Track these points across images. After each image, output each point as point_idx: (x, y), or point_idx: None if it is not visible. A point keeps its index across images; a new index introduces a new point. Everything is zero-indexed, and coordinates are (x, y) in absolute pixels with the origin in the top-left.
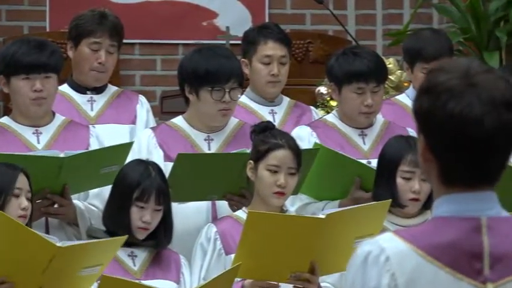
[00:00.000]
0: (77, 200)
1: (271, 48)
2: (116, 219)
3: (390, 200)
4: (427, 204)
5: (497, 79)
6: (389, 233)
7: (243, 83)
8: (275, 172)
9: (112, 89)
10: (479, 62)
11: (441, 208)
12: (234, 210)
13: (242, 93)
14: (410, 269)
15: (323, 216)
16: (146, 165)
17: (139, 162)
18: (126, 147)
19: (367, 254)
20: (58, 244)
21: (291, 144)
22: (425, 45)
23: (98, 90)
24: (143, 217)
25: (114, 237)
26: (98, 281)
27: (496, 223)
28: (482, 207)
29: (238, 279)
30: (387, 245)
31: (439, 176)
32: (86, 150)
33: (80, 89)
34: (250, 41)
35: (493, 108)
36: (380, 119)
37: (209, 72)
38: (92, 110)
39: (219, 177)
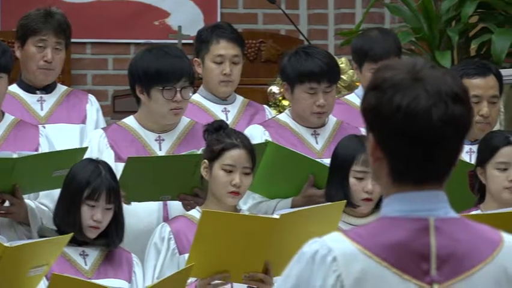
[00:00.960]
0: (28, 200)
1: (223, 48)
2: (66, 218)
3: (345, 201)
4: (380, 204)
5: (444, 74)
6: (337, 233)
7: (194, 82)
8: (230, 172)
9: (61, 88)
10: (424, 59)
11: (390, 207)
12: (188, 210)
13: (194, 92)
14: (357, 270)
15: (277, 216)
16: (96, 164)
17: (88, 161)
18: (80, 152)
19: (314, 253)
20: (6, 244)
21: (246, 144)
22: (372, 45)
23: (48, 89)
24: (94, 216)
25: (60, 236)
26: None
27: (444, 224)
28: (431, 207)
29: (193, 279)
30: (335, 245)
31: (389, 174)
32: (40, 152)
33: (30, 88)
34: (203, 40)
35: (440, 100)
36: (332, 118)
37: (160, 71)
38: (42, 109)
39: (170, 179)
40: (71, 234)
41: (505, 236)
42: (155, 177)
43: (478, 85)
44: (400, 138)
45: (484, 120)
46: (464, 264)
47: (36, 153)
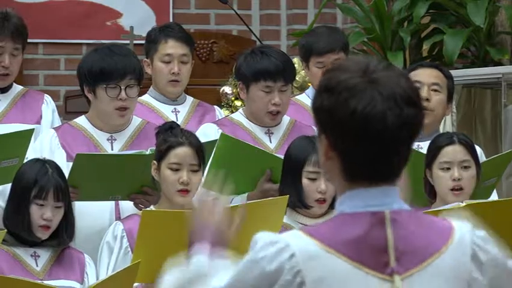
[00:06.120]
0: None
1: (171, 47)
2: (15, 219)
3: (287, 196)
4: (333, 204)
5: (397, 75)
6: (296, 230)
7: (141, 80)
8: (177, 170)
9: (17, 88)
10: (377, 59)
11: (346, 204)
12: (140, 209)
13: (144, 92)
14: (318, 266)
15: None
16: (43, 163)
17: (36, 161)
18: (26, 134)
19: (273, 241)
20: None
21: (192, 141)
22: (317, 40)
23: (3, 89)
24: (43, 214)
25: None
26: None
27: (399, 216)
28: (385, 201)
29: (138, 286)
30: (294, 242)
31: (342, 174)
32: None
33: None
34: (152, 41)
35: (395, 103)
36: (286, 117)
37: (103, 69)
38: None
39: (119, 178)
40: (4, 231)
41: (455, 224)
42: (104, 176)
43: (419, 73)
44: (355, 141)
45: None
46: (421, 254)
47: None
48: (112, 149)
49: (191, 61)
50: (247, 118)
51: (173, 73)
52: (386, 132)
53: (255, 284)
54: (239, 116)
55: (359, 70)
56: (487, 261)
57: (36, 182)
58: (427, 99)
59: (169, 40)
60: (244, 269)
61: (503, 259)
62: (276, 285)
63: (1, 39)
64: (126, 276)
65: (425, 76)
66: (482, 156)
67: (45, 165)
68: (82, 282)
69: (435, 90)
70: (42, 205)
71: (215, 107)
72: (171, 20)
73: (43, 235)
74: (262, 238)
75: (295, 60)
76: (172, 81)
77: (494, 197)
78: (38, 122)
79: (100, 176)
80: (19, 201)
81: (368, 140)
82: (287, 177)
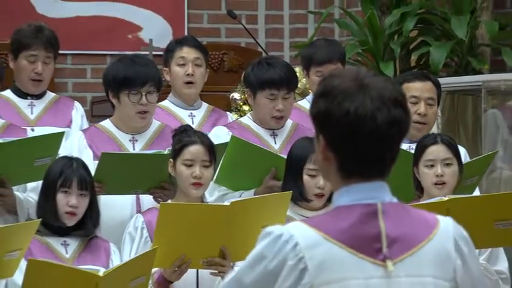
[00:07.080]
0: (16, 192)
1: (186, 52)
2: (44, 207)
3: (291, 191)
4: (331, 198)
5: (385, 81)
6: (297, 222)
7: (160, 87)
8: (190, 166)
9: (50, 95)
10: (366, 69)
11: (342, 198)
12: (159, 203)
13: (163, 98)
14: (319, 253)
15: (227, 204)
16: (69, 159)
17: (63, 157)
18: (57, 136)
19: (278, 236)
20: None
21: (203, 140)
22: (317, 51)
23: (38, 95)
24: (69, 202)
25: (28, 221)
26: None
27: (390, 208)
28: (377, 195)
29: (157, 271)
30: (296, 232)
31: (338, 172)
32: (18, 138)
33: (22, 94)
34: (169, 50)
35: (383, 104)
36: (289, 121)
37: (126, 77)
38: (32, 113)
39: (140, 174)
40: (39, 220)
41: (440, 217)
42: (127, 172)
43: (416, 87)
44: (349, 139)
45: (420, 118)
46: (411, 241)
47: (17, 138)
48: (134, 149)
49: (205, 66)
50: (254, 122)
51: (187, 74)
52: (377, 130)
53: (259, 279)
54: (247, 120)
55: (351, 76)
56: (466, 253)
57: (62, 173)
58: (425, 115)
59: (183, 47)
60: (251, 262)
61: (476, 258)
62: (280, 277)
63: (35, 48)
64: (144, 261)
65: (421, 91)
66: (466, 156)
67: (71, 160)
68: (107, 267)
69: (430, 105)
70: (67, 193)
71: (228, 113)
72: (186, 33)
73: (70, 221)
74: (269, 234)
75: (297, 70)
76: (187, 83)
77: (476, 193)
78: (69, 126)
79: (123, 172)
80: (48, 191)
81: (362, 138)
82: (290, 174)
